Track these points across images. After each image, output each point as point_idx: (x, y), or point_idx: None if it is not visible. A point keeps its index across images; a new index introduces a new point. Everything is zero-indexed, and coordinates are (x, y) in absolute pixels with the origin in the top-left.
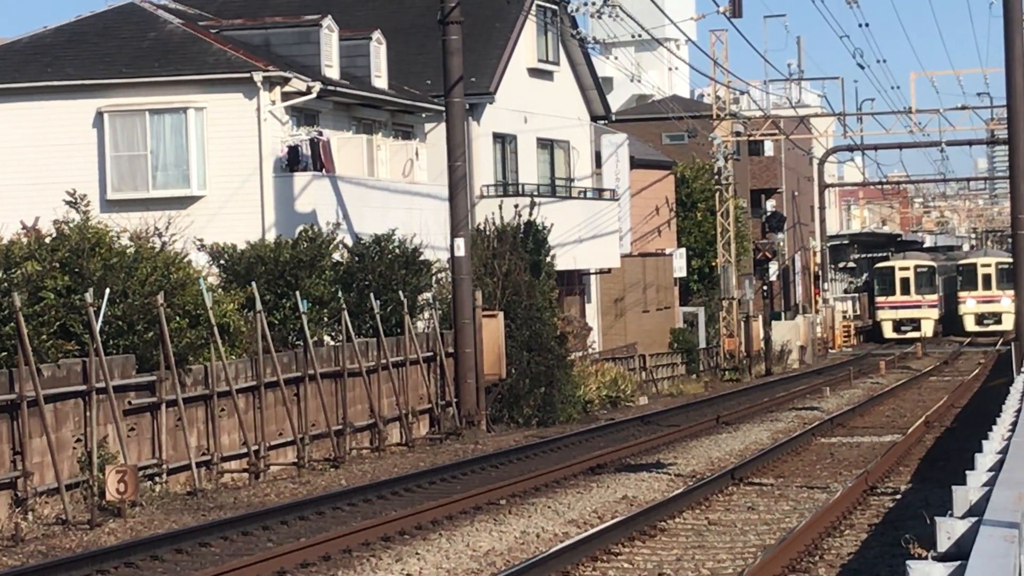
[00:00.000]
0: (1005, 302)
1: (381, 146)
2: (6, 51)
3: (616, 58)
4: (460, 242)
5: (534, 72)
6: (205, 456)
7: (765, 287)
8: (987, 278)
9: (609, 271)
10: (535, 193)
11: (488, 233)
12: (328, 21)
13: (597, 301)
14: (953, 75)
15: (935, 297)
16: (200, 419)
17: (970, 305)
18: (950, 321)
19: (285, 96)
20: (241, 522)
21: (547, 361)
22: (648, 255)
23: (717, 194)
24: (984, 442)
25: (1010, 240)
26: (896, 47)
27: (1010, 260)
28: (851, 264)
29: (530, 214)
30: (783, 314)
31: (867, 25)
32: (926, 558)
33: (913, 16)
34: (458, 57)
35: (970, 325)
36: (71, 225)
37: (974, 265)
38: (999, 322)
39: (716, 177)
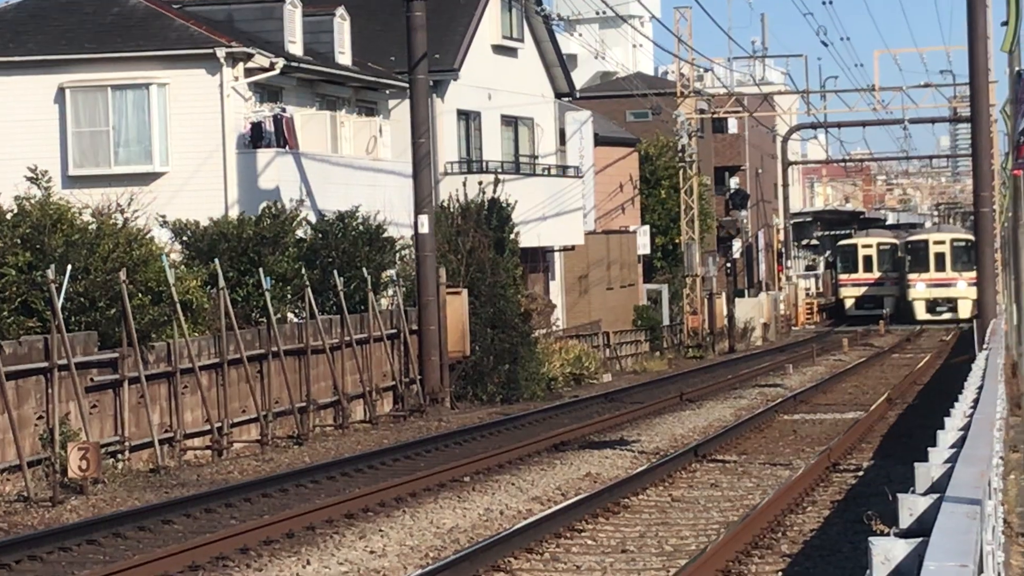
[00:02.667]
0: (961, 286)
1: (345, 123)
2: None
3: (580, 35)
4: (424, 219)
5: (498, 49)
6: (168, 433)
7: (729, 264)
8: (940, 257)
9: (573, 248)
10: (499, 170)
11: (452, 210)
12: None
13: (561, 278)
14: (916, 53)
15: (897, 274)
16: (163, 396)
17: (920, 289)
18: (898, 307)
19: (248, 72)
20: (204, 499)
21: (511, 338)
22: (612, 232)
23: (681, 171)
24: (946, 419)
25: (972, 218)
26: (860, 24)
27: (967, 237)
28: (814, 242)
29: (494, 191)
30: (746, 291)
31: (831, 2)
32: (888, 534)
33: None
34: (422, 33)
35: (920, 312)
36: (32, 201)
37: (925, 242)
38: (954, 309)
39: (680, 154)
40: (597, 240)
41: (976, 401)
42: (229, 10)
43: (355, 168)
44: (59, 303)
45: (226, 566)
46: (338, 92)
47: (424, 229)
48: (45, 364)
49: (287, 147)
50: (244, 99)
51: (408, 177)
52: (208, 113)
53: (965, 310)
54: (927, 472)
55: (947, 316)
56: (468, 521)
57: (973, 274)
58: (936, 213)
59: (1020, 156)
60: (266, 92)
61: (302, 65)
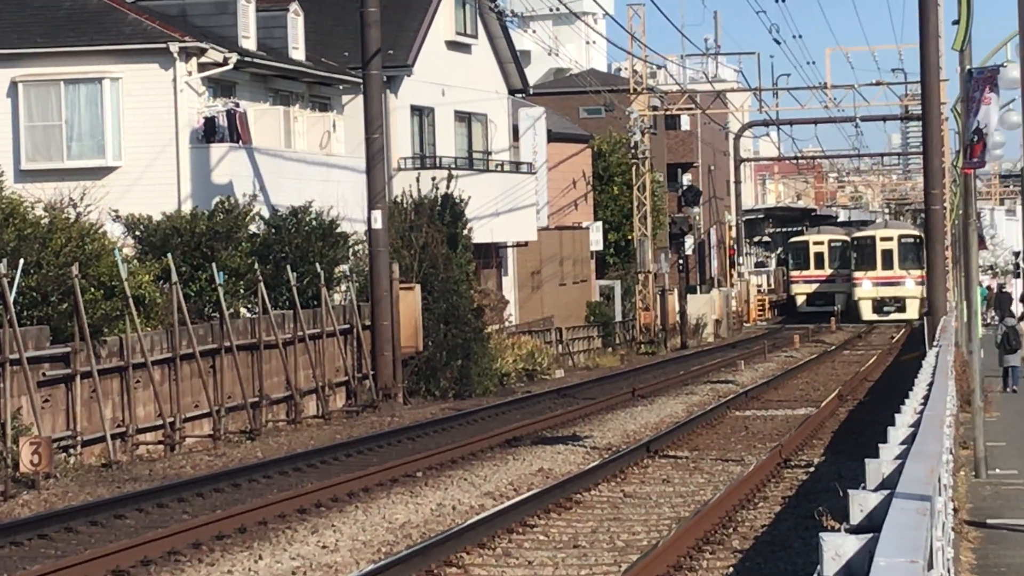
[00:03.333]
0: (909, 284)
1: (298, 118)
2: None
3: (534, 31)
4: (377, 214)
5: (452, 45)
6: (120, 428)
7: (681, 261)
8: (888, 254)
9: (526, 244)
10: (452, 166)
11: (405, 206)
12: None
13: (514, 274)
14: (868, 51)
15: (848, 271)
16: (115, 391)
17: (866, 288)
18: (845, 306)
19: (202, 67)
20: (156, 494)
21: (464, 334)
22: (565, 228)
23: (634, 168)
24: (897, 416)
25: (922, 215)
26: (812, 22)
27: (916, 233)
28: (766, 238)
29: (447, 187)
30: (699, 288)
31: (783, 0)
32: (839, 530)
33: None
34: (376, 29)
35: (867, 312)
36: None
37: (872, 239)
38: (902, 309)
39: (633, 151)
40: (550, 236)
41: (926, 398)
42: (183, 5)
43: (308, 163)
44: (11, 297)
45: (178, 561)
46: (291, 87)
47: (377, 224)
48: None
49: (240, 142)
50: (197, 94)
51: (361, 172)
52: (161, 108)
53: (913, 310)
54: (878, 468)
55: (895, 316)
56: (420, 516)
57: (922, 272)
58: (887, 211)
59: (973, 156)
60: (219, 87)
61: (255, 60)
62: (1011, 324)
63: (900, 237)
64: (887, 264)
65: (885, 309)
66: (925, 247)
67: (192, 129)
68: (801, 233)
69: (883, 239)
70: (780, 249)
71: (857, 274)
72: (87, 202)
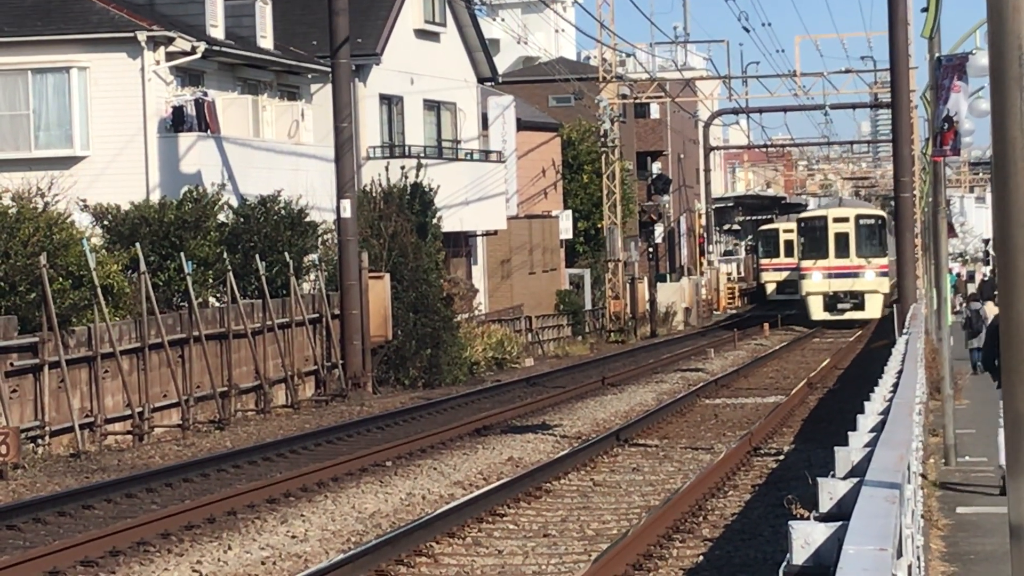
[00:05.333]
0: (869, 276)
1: (267, 107)
2: None
3: (503, 20)
4: (346, 203)
5: (421, 33)
6: (88, 418)
7: (651, 249)
8: (842, 239)
9: (495, 233)
10: (421, 155)
11: (374, 195)
12: None
13: (483, 263)
14: (837, 39)
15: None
16: (83, 381)
17: (816, 280)
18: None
19: (170, 56)
20: (125, 484)
21: (433, 323)
22: (534, 217)
23: (603, 156)
24: (866, 403)
25: (892, 203)
26: (781, 10)
27: (877, 213)
28: (736, 227)
29: (416, 176)
30: (668, 276)
31: None
32: (808, 518)
33: None
34: (344, 18)
35: (816, 311)
36: None
37: (823, 220)
38: (860, 306)
39: (602, 139)
40: (519, 225)
41: (896, 385)
42: None
43: (277, 152)
44: None
45: (147, 551)
46: (260, 76)
47: (346, 213)
48: None
49: (209, 131)
50: (165, 83)
51: (330, 161)
52: (129, 97)
53: (874, 307)
54: (847, 456)
55: (851, 315)
56: (390, 506)
57: (884, 261)
58: (857, 197)
59: (943, 143)
60: (187, 76)
61: (224, 49)
62: (975, 308)
63: (858, 218)
64: (842, 251)
65: (839, 306)
66: (889, 230)
67: (160, 118)
68: (771, 221)
69: (837, 220)
70: (750, 237)
71: (805, 263)
72: (55, 191)
